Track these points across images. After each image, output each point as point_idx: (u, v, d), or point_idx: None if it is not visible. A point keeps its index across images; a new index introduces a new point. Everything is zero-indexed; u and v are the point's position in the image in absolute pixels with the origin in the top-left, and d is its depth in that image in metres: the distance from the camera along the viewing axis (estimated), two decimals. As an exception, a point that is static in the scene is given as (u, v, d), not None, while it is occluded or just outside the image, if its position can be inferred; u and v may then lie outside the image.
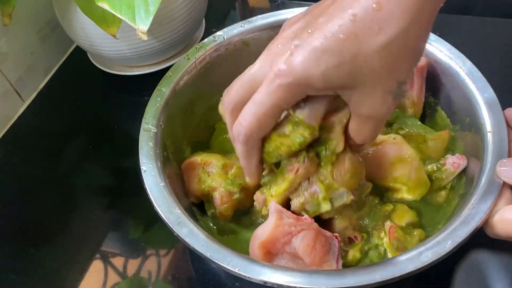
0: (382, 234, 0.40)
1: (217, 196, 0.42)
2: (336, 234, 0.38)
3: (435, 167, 0.43)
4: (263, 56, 0.33)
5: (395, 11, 0.27)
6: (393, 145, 0.42)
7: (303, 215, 0.37)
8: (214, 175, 0.43)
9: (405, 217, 0.41)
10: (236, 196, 0.42)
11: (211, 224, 0.44)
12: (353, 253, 0.39)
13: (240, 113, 0.33)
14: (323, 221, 0.39)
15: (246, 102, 0.33)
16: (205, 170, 0.44)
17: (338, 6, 0.29)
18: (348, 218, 0.39)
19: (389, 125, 0.47)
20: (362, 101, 0.31)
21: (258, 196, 0.39)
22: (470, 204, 0.36)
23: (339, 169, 0.36)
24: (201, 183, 0.43)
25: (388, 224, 0.40)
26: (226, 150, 0.47)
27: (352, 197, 0.37)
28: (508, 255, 0.43)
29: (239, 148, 0.35)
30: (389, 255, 0.38)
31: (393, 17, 0.27)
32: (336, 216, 0.39)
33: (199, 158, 0.44)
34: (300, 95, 0.32)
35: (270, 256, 0.37)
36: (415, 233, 0.40)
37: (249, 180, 0.38)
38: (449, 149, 0.46)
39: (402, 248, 0.38)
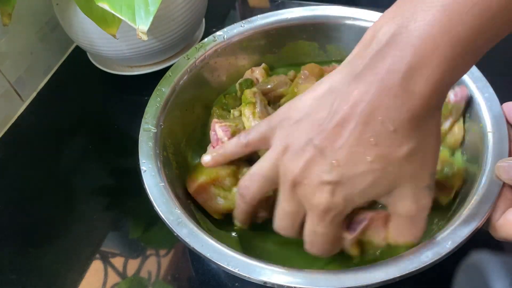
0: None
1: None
2: None
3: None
4: (272, 159, 0.34)
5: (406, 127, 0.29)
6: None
7: None
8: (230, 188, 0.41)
9: None
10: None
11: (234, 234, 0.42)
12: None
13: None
14: None
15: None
16: (218, 185, 0.41)
17: (354, 135, 0.29)
18: None
19: None
20: (401, 202, 0.32)
21: None
22: (470, 204, 0.36)
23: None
24: (222, 199, 0.41)
25: None
26: None
27: None
28: (508, 255, 0.43)
29: (241, 205, 0.38)
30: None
31: (408, 135, 0.29)
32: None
33: (203, 178, 0.41)
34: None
35: None
36: None
37: (239, 224, 0.41)
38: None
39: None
